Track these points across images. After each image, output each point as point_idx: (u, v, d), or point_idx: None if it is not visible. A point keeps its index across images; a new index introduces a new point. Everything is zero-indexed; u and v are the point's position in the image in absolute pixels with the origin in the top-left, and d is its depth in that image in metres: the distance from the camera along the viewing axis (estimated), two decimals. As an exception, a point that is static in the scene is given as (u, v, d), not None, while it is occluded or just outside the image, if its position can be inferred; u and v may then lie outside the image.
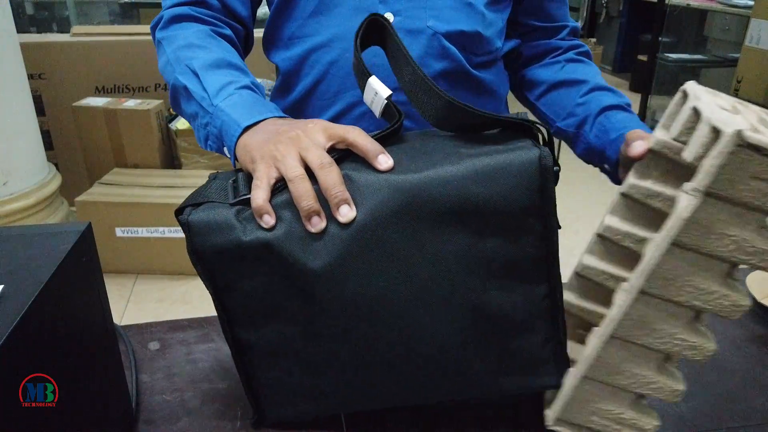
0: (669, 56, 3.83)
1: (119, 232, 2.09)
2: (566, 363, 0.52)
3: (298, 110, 0.77)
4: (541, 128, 0.49)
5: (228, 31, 0.72)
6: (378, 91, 0.55)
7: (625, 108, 0.72)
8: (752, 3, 3.30)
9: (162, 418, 0.58)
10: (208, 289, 0.50)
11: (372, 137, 0.50)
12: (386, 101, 0.54)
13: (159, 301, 2.04)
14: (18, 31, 1.99)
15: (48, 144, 2.37)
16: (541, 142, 0.48)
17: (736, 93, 3.38)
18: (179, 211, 0.50)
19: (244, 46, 0.77)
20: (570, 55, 0.81)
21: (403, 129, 0.56)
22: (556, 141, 0.65)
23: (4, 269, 0.41)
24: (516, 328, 0.50)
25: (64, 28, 3.94)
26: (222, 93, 0.60)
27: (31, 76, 2.14)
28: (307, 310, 0.49)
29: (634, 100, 3.99)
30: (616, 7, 5.50)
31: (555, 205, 0.47)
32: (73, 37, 2.48)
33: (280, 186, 0.49)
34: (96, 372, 0.49)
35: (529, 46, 0.82)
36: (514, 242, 0.47)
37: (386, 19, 0.60)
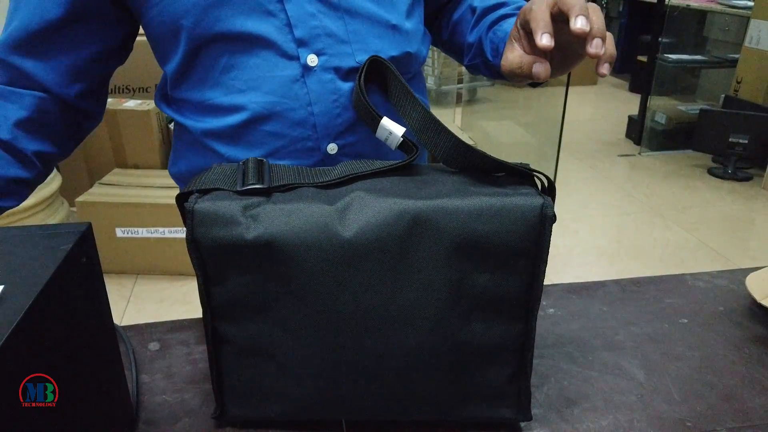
0: (669, 57, 3.84)
1: (119, 232, 2.09)
2: (528, 399, 0.55)
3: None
4: (542, 177, 0.51)
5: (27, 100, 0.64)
6: (392, 130, 0.58)
7: (509, 15, 0.70)
8: (752, 3, 3.31)
9: (162, 418, 0.58)
10: (197, 277, 0.50)
11: (389, 168, 0.52)
12: (401, 138, 0.58)
13: (159, 301, 2.04)
14: (18, 32, 1.99)
15: (48, 144, 2.37)
16: (540, 189, 0.51)
17: (736, 93, 3.39)
18: (183, 197, 0.49)
19: (61, 115, 0.67)
20: None
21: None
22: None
23: (4, 269, 0.41)
24: (488, 361, 0.53)
25: (64, 28, 3.93)
26: None
27: (31, 77, 2.14)
28: (295, 313, 0.50)
29: (634, 100, 3.99)
30: (616, 8, 5.51)
31: (548, 252, 0.49)
32: (73, 38, 2.47)
33: (286, 186, 0.50)
34: (96, 372, 0.49)
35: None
36: (504, 280, 0.49)
37: (387, 61, 0.61)
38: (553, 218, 0.48)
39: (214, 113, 0.65)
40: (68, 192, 2.25)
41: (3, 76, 0.65)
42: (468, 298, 0.50)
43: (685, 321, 0.74)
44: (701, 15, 4.23)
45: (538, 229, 0.48)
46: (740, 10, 3.44)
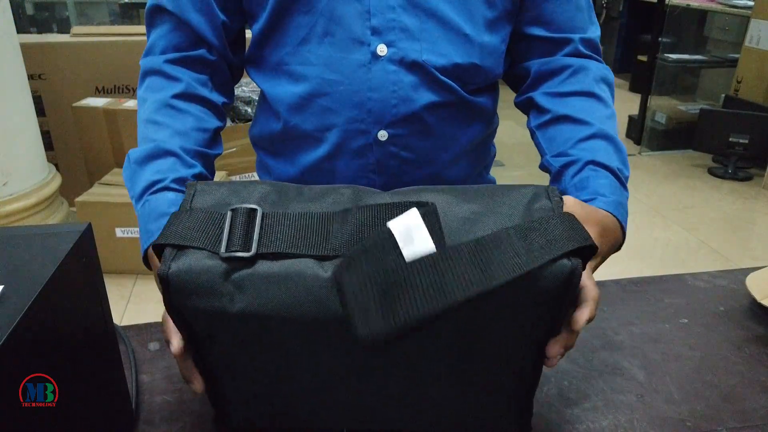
0: (669, 57, 3.84)
1: (119, 232, 2.09)
2: (529, 415, 0.53)
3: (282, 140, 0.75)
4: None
5: (184, 86, 0.70)
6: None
7: (614, 172, 0.66)
8: (752, 3, 3.31)
9: (162, 418, 0.58)
10: (182, 336, 0.47)
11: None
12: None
13: (159, 301, 2.02)
14: (18, 32, 1.99)
15: (48, 144, 2.37)
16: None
17: (736, 93, 3.38)
18: (158, 247, 0.45)
19: (220, 73, 0.74)
20: (580, 84, 0.72)
21: (402, 162, 0.68)
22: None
23: (4, 269, 0.41)
24: (492, 389, 0.51)
25: (64, 28, 3.94)
26: (142, 198, 0.65)
27: (31, 77, 2.14)
28: (293, 364, 0.48)
29: (634, 100, 3.99)
30: (616, 8, 5.50)
31: (570, 306, 0.46)
32: (73, 38, 2.48)
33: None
34: (96, 372, 0.49)
35: (537, 63, 0.75)
36: (520, 332, 0.46)
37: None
38: (579, 278, 0.43)
39: (287, 78, 0.71)
40: (68, 192, 2.24)
41: (181, 36, 0.71)
42: (477, 350, 0.47)
43: (685, 321, 0.74)
44: (701, 15, 4.23)
45: (561, 294, 0.43)
46: (740, 10, 3.44)
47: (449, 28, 0.67)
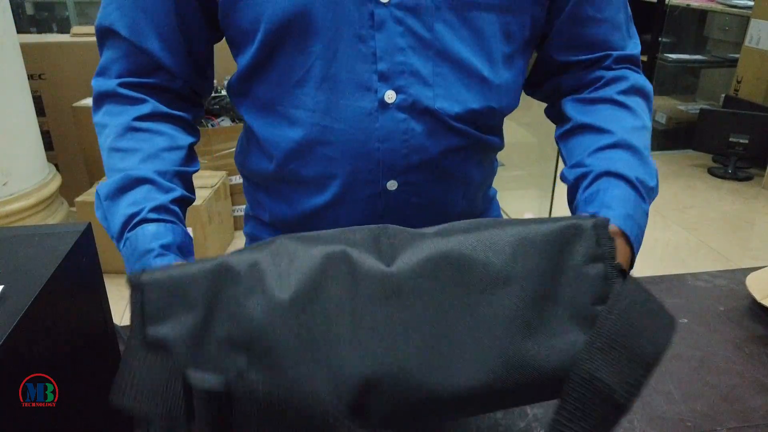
0: (669, 56, 3.84)
1: (119, 232, 2.09)
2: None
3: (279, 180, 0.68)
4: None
5: (149, 107, 0.64)
6: None
7: (631, 182, 0.60)
8: (752, 3, 3.31)
9: (162, 419, 0.57)
10: None
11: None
12: None
13: (159, 301, 2.04)
14: (18, 31, 1.99)
15: (48, 144, 2.37)
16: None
17: (736, 93, 3.39)
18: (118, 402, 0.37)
19: (184, 95, 0.68)
20: (611, 92, 0.67)
21: (411, 207, 0.63)
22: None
23: (4, 269, 0.41)
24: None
25: (64, 28, 3.94)
26: (122, 237, 0.57)
27: (31, 77, 2.14)
28: None
29: (634, 100, 4.00)
30: (616, 8, 5.51)
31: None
32: (73, 38, 2.48)
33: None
34: (96, 372, 0.49)
35: (567, 77, 0.70)
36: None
37: None
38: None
39: (280, 120, 0.63)
40: (68, 192, 2.24)
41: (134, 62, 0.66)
42: (522, 326, 0.43)
43: (685, 321, 0.74)
44: (701, 15, 4.23)
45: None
46: (740, 10, 3.44)
47: (466, 72, 0.61)
